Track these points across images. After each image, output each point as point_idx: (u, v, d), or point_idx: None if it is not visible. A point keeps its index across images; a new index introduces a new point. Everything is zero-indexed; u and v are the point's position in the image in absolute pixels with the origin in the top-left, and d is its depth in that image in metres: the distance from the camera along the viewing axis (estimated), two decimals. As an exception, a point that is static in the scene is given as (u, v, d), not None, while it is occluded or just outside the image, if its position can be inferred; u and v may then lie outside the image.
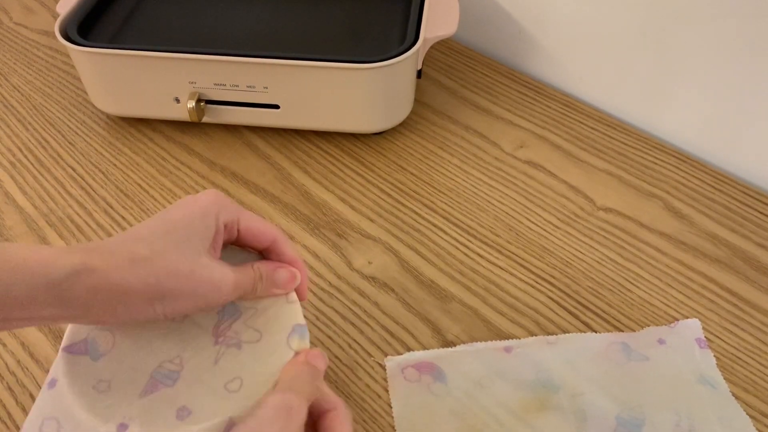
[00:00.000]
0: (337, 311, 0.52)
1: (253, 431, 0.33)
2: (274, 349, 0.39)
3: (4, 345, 0.50)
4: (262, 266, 0.41)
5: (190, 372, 0.38)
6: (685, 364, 0.48)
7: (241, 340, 0.40)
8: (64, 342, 0.39)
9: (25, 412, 0.46)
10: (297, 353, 0.39)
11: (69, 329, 0.40)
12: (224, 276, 0.37)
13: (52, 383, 0.39)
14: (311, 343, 0.50)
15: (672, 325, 0.51)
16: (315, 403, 0.37)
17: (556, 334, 0.50)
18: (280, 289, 0.41)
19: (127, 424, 0.36)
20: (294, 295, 0.42)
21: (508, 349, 0.49)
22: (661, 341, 0.49)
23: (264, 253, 0.42)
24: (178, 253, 0.36)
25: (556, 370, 0.47)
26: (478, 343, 0.50)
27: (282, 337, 0.39)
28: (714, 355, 0.49)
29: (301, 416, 0.34)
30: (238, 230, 0.40)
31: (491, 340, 0.50)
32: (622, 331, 0.51)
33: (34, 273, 0.33)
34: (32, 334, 0.51)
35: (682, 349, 0.49)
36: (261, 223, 0.41)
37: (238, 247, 0.42)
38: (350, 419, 0.37)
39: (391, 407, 0.46)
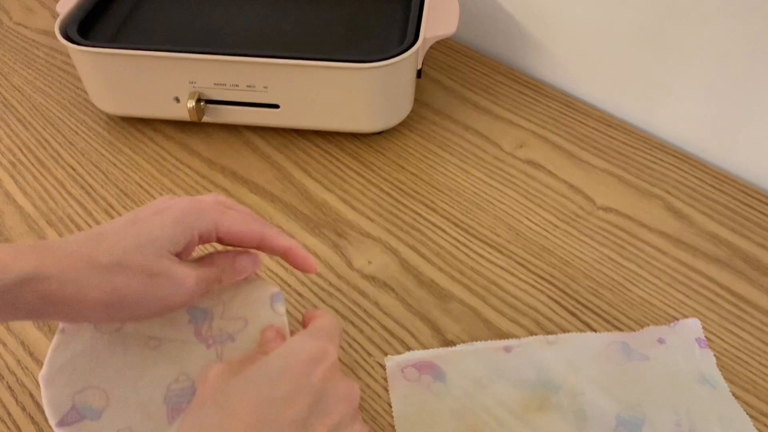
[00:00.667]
0: (337, 311, 0.52)
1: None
2: (264, 323, 0.39)
3: (4, 344, 0.50)
4: (222, 257, 0.40)
5: None
6: (685, 364, 0.48)
7: (231, 333, 0.39)
8: (52, 419, 0.37)
9: (25, 411, 0.46)
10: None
11: (46, 404, 0.37)
12: (185, 273, 0.36)
13: None
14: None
15: (672, 324, 0.51)
16: (307, 317, 0.39)
17: (556, 334, 0.50)
18: (244, 275, 0.41)
19: None
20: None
21: (508, 349, 0.49)
22: (661, 341, 0.49)
23: (257, 249, 0.42)
24: (139, 255, 0.35)
25: (556, 369, 0.47)
26: (478, 342, 0.50)
27: (266, 311, 0.40)
28: (714, 355, 0.49)
29: (217, 367, 0.34)
30: (218, 236, 0.39)
31: (491, 340, 0.50)
32: (622, 331, 0.51)
33: None
34: (32, 333, 0.51)
35: (682, 348, 0.49)
36: (243, 226, 0.39)
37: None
38: (329, 322, 0.38)
39: (391, 407, 0.46)
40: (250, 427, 0.30)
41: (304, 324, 0.40)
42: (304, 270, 0.42)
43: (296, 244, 0.41)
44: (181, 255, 0.38)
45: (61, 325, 0.39)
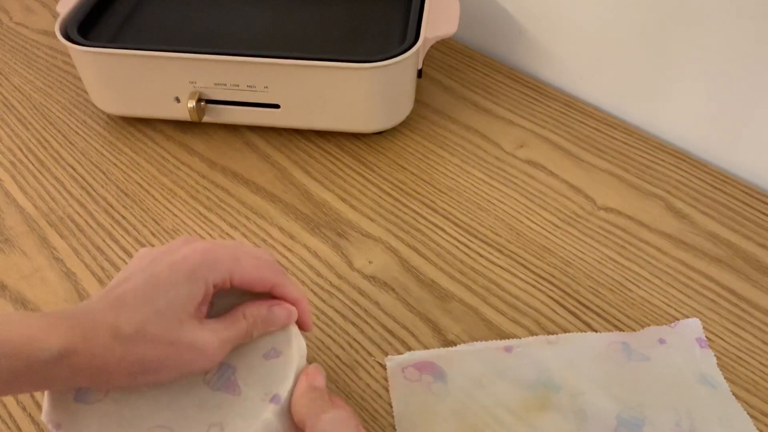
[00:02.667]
0: (337, 311, 0.52)
1: None
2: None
3: (5, 344, 0.50)
4: (255, 310, 0.39)
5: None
6: (686, 364, 0.48)
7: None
8: None
9: (25, 411, 0.46)
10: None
11: None
12: (207, 341, 0.37)
13: None
14: (313, 344, 0.50)
15: (672, 324, 0.51)
16: None
17: (557, 334, 0.50)
18: (279, 326, 0.40)
19: None
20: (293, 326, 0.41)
21: (508, 349, 0.49)
22: (661, 341, 0.49)
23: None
24: (161, 323, 0.35)
25: (556, 369, 0.47)
26: (479, 342, 0.50)
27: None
28: (714, 355, 0.49)
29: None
30: (231, 284, 0.39)
31: (491, 340, 0.50)
32: (623, 331, 0.51)
33: (16, 354, 0.32)
34: (32, 333, 0.51)
35: (683, 348, 0.49)
36: (256, 273, 0.39)
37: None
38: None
39: (391, 407, 0.46)
40: None
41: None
42: (302, 326, 0.42)
43: (304, 298, 0.42)
44: (201, 306, 0.38)
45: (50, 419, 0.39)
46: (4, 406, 0.47)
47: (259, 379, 0.39)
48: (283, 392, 0.38)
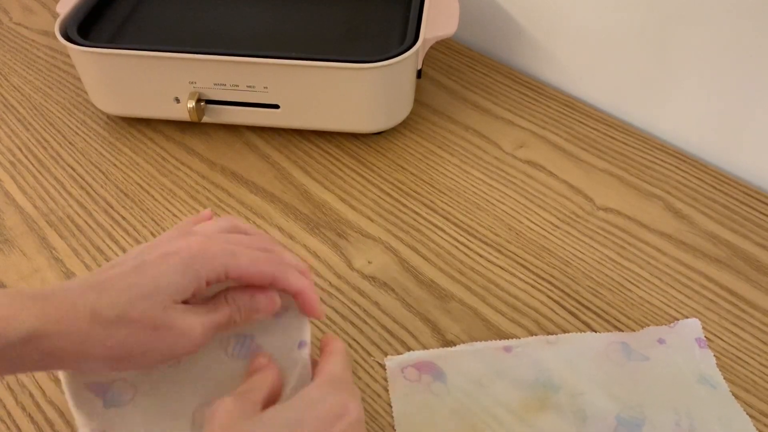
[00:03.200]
0: (337, 311, 0.52)
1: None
2: (285, 362, 0.39)
3: (4, 345, 0.50)
4: (237, 296, 0.38)
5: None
6: (685, 364, 0.48)
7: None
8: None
9: (25, 411, 0.46)
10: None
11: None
12: (191, 325, 0.35)
13: None
14: (312, 344, 0.50)
15: (672, 324, 0.51)
16: (324, 349, 0.38)
17: (556, 334, 0.50)
18: (261, 314, 0.39)
19: None
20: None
21: (507, 349, 0.49)
22: (661, 341, 0.49)
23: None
24: (142, 307, 0.34)
25: (556, 369, 0.47)
26: (478, 342, 0.50)
27: (291, 352, 0.39)
28: (714, 355, 0.49)
29: (226, 407, 0.33)
30: (227, 278, 0.37)
31: (491, 340, 0.50)
32: (622, 331, 0.51)
33: None
34: (32, 333, 0.51)
35: (682, 348, 0.49)
36: (253, 268, 0.37)
37: None
38: (342, 360, 0.37)
39: (391, 407, 0.46)
40: None
41: (321, 349, 0.39)
42: (309, 314, 0.40)
43: (309, 285, 0.39)
44: (189, 299, 0.36)
45: None
46: (4, 406, 0.47)
47: (279, 335, 0.39)
48: (306, 336, 0.39)
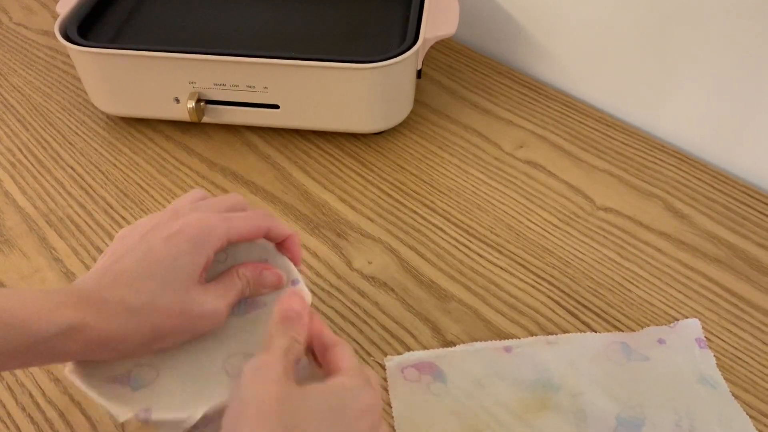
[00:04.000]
0: (336, 311, 0.52)
1: (234, 400, 0.33)
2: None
3: (4, 345, 0.50)
4: (248, 272, 0.41)
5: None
6: (685, 364, 0.48)
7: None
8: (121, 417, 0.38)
9: (25, 411, 0.46)
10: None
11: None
12: (216, 307, 0.38)
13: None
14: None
15: (672, 325, 0.51)
16: (318, 341, 0.38)
17: (556, 334, 0.50)
18: (268, 289, 0.42)
19: None
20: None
21: (507, 349, 0.49)
22: (661, 341, 0.49)
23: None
24: (167, 294, 0.36)
25: (556, 370, 0.47)
26: (478, 342, 0.50)
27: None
28: (714, 355, 0.49)
29: (275, 369, 0.33)
30: (228, 243, 0.39)
31: (491, 340, 0.50)
32: (622, 331, 0.51)
33: (25, 330, 0.33)
34: (32, 334, 0.51)
35: (682, 348, 0.49)
36: (249, 227, 0.40)
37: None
38: (352, 352, 0.38)
39: (390, 407, 0.46)
40: None
41: (327, 359, 0.39)
42: (294, 257, 0.43)
43: (295, 233, 0.43)
44: (202, 273, 0.38)
45: None
46: (4, 406, 0.47)
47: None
48: (297, 275, 0.43)
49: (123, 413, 0.36)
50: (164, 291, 0.36)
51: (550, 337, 0.50)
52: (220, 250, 0.39)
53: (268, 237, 0.42)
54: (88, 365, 0.38)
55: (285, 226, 0.42)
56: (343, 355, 0.37)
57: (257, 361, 0.34)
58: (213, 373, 0.38)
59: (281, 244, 0.43)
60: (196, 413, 0.36)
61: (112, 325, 0.35)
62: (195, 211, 0.40)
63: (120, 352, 0.36)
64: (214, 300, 0.38)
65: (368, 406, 0.35)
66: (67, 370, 0.38)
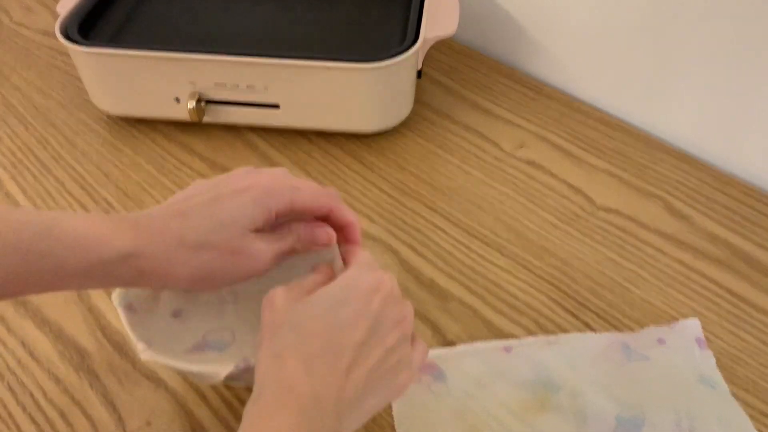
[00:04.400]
0: (337, 311, 0.52)
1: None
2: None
3: (4, 344, 0.50)
4: (300, 228, 0.42)
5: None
6: (685, 364, 0.48)
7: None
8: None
9: (26, 411, 0.46)
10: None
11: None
12: (263, 249, 0.39)
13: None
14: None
15: (672, 325, 0.51)
16: (345, 251, 0.42)
17: (556, 334, 0.50)
18: (320, 246, 0.43)
19: None
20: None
21: (508, 349, 0.49)
22: (661, 341, 0.49)
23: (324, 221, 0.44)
24: (222, 234, 0.38)
25: (556, 370, 0.47)
26: (479, 342, 0.50)
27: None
28: (714, 355, 0.49)
29: (286, 292, 0.38)
30: (292, 209, 0.41)
31: (491, 340, 0.50)
32: (622, 331, 0.51)
33: (88, 250, 0.35)
34: (32, 333, 0.51)
35: (682, 349, 0.49)
36: (313, 200, 0.42)
37: None
38: (361, 250, 0.42)
39: (391, 407, 0.46)
40: (323, 347, 0.34)
41: (345, 262, 0.43)
42: (354, 242, 0.44)
43: (357, 221, 0.44)
44: (260, 229, 0.40)
45: (121, 300, 0.42)
46: (4, 406, 0.47)
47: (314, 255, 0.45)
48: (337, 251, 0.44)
49: (223, 369, 0.38)
50: (218, 232, 0.38)
51: (551, 337, 0.50)
52: (282, 212, 0.40)
53: (328, 218, 0.43)
54: (156, 345, 0.40)
55: (348, 211, 0.43)
56: (357, 253, 0.41)
57: (269, 293, 0.37)
58: None
59: (340, 232, 0.44)
60: None
61: (163, 256, 0.37)
62: (269, 174, 0.42)
63: (168, 284, 0.38)
64: (263, 245, 0.39)
65: (372, 286, 0.37)
66: (142, 355, 0.39)
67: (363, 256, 0.41)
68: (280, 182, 0.41)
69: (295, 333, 0.35)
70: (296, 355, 0.34)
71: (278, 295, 0.37)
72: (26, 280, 0.35)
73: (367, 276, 0.38)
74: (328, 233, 0.43)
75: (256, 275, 0.40)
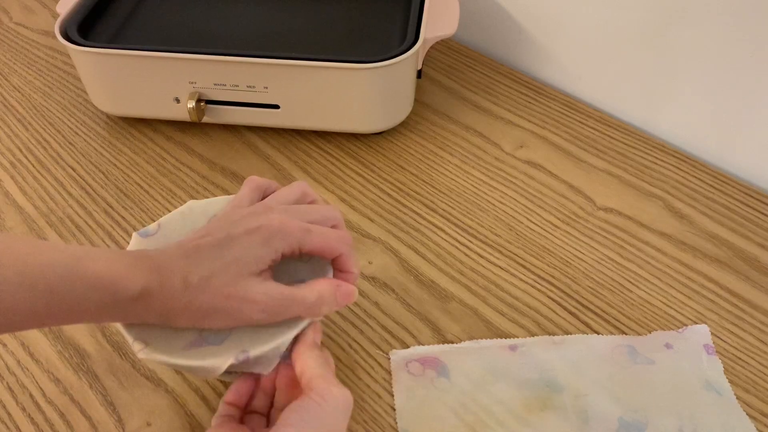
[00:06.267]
0: (337, 311, 0.52)
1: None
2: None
3: (5, 345, 0.50)
4: (323, 286, 0.42)
5: None
6: (691, 370, 0.47)
7: None
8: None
9: (25, 412, 0.46)
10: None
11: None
12: (258, 292, 0.39)
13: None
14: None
15: (680, 330, 0.50)
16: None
17: (557, 334, 0.50)
18: (346, 304, 0.43)
19: None
20: None
21: (513, 348, 0.49)
22: (668, 346, 0.49)
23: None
24: (224, 277, 0.39)
25: (560, 370, 0.47)
26: (484, 340, 0.50)
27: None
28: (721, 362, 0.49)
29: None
30: (300, 252, 0.41)
31: (496, 339, 0.50)
32: (623, 332, 0.51)
33: (105, 290, 0.37)
34: (32, 334, 0.51)
35: (690, 354, 0.49)
36: (323, 245, 0.42)
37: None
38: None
39: (391, 407, 0.46)
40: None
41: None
42: (347, 298, 0.44)
43: (358, 272, 0.45)
44: (266, 269, 0.41)
45: None
46: (4, 406, 0.47)
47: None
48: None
49: (223, 361, 0.39)
50: (222, 273, 0.39)
51: (556, 338, 0.50)
52: (289, 254, 0.41)
53: (333, 263, 0.44)
54: (153, 344, 0.40)
55: (355, 262, 0.44)
56: (314, 363, 0.40)
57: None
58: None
59: (338, 272, 0.44)
60: (288, 337, 0.40)
61: (168, 296, 0.38)
62: (283, 213, 0.42)
63: (174, 322, 0.39)
64: (261, 289, 0.39)
65: (347, 407, 0.38)
66: (139, 355, 0.40)
67: (320, 367, 0.40)
68: (293, 224, 0.41)
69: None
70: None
71: None
72: (46, 316, 0.37)
73: (342, 393, 0.38)
74: (352, 291, 0.43)
75: (258, 321, 0.40)
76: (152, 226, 0.46)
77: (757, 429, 0.45)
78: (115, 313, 0.38)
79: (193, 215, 0.47)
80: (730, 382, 0.47)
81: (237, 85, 0.62)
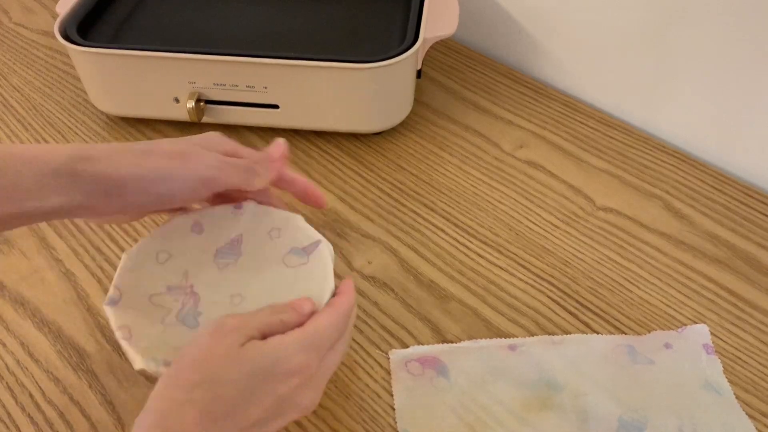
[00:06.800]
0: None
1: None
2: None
3: (4, 345, 0.50)
4: (254, 154, 0.45)
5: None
6: (691, 370, 0.47)
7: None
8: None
9: (25, 412, 0.46)
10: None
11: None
12: (210, 154, 0.42)
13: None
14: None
15: (680, 330, 0.50)
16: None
17: (557, 334, 0.50)
18: (278, 160, 0.46)
19: None
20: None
21: (512, 348, 0.49)
22: (667, 345, 0.49)
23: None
24: (168, 144, 0.42)
25: (560, 370, 0.47)
26: (483, 340, 0.50)
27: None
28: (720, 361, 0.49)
29: (232, 332, 0.37)
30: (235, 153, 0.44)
31: (495, 338, 0.50)
32: (623, 332, 0.51)
33: (40, 161, 0.38)
34: (32, 333, 0.51)
35: (689, 354, 0.49)
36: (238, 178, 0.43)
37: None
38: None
39: (391, 407, 0.46)
40: (225, 413, 0.35)
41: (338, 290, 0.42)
42: (316, 203, 0.48)
43: (304, 180, 0.48)
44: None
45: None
46: (4, 406, 0.47)
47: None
48: (317, 236, 0.45)
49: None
50: (166, 143, 0.42)
51: (556, 338, 0.50)
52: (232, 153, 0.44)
53: (278, 182, 0.47)
54: (151, 352, 0.40)
55: (297, 174, 0.48)
56: (321, 315, 0.40)
57: (225, 319, 0.37)
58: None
59: (298, 193, 0.48)
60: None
61: (114, 159, 0.39)
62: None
63: (120, 195, 0.40)
64: (210, 152, 0.43)
65: (297, 368, 0.37)
66: (136, 366, 0.39)
67: (322, 320, 0.39)
68: (226, 171, 0.43)
69: (210, 389, 0.35)
70: (199, 409, 0.34)
71: (228, 325, 0.37)
72: None
73: (296, 358, 0.37)
74: (281, 146, 0.46)
75: (208, 182, 0.41)
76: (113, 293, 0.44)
77: (757, 429, 0.45)
78: (57, 185, 0.38)
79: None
80: (730, 381, 0.47)
81: (236, 85, 0.62)
